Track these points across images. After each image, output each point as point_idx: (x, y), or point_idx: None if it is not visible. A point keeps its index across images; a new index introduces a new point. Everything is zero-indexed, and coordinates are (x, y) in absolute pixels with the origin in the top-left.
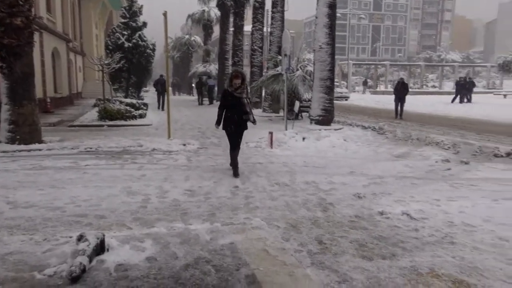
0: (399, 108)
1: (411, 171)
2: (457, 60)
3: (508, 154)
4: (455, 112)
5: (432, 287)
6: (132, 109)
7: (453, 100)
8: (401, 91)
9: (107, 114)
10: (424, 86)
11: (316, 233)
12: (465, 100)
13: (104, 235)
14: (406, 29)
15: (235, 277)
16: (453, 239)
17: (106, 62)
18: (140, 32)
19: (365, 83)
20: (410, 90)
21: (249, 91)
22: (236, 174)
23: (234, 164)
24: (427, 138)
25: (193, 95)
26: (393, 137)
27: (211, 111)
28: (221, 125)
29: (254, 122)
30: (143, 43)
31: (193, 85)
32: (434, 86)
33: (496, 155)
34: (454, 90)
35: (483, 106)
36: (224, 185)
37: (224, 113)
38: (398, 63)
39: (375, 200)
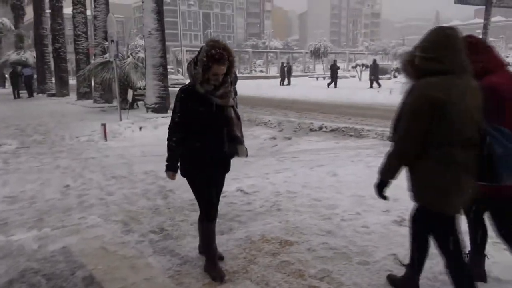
0: None
1: None
2: (279, 47)
3: (320, 128)
4: (279, 94)
5: (263, 251)
6: None
7: (281, 83)
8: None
9: None
10: (253, 71)
11: (157, 221)
12: (286, 82)
13: None
14: (233, 17)
15: (70, 282)
16: (280, 206)
17: None
18: None
19: None
20: (240, 75)
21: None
22: (220, 272)
23: (210, 249)
24: (256, 119)
25: (4, 88)
26: None
27: (31, 105)
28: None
29: (246, 154)
30: None
31: (6, 76)
32: (261, 71)
33: (311, 130)
34: (279, 74)
35: (301, 88)
36: (52, 185)
37: (186, 142)
38: None
39: None
